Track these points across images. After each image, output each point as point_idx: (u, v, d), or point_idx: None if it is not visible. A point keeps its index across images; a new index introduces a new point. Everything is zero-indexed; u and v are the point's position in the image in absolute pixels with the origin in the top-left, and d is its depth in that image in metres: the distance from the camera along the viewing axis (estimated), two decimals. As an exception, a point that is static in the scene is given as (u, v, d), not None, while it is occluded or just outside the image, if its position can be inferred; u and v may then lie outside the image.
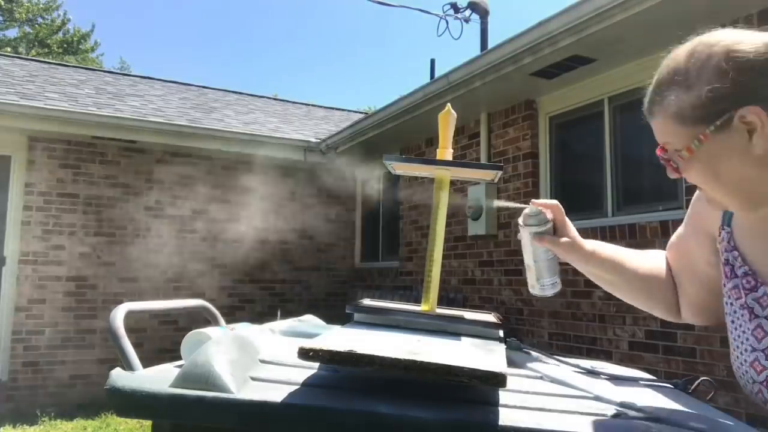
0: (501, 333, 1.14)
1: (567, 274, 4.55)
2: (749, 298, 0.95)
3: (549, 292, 1.11)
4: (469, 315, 1.22)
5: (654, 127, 0.94)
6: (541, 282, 1.10)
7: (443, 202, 1.23)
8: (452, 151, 1.26)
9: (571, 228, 1.11)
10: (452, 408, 0.80)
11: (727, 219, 1.01)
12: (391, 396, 0.82)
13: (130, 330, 1.04)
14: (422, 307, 1.21)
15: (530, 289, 1.13)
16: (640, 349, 3.57)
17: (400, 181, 6.44)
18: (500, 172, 1.26)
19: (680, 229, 1.14)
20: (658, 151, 0.94)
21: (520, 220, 1.11)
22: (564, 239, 1.09)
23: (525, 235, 1.10)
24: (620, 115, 4.04)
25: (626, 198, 4.00)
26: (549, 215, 1.09)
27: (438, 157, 1.24)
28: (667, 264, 1.17)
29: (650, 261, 1.17)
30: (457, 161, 1.24)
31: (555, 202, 1.12)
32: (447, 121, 1.25)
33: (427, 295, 1.21)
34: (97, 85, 7.48)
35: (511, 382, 0.92)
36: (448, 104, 1.29)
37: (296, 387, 0.85)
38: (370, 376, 0.86)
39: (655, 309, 1.17)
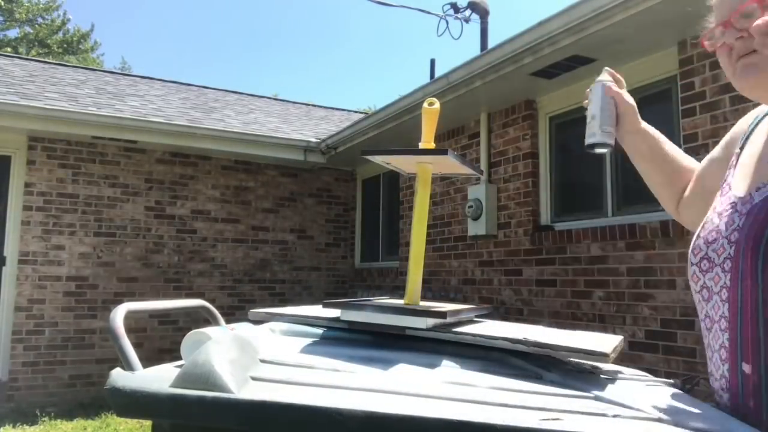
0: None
1: (567, 274, 4.53)
2: (706, 278, 0.95)
3: (609, 140, 1.18)
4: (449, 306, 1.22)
5: None
6: (603, 128, 1.17)
7: (424, 196, 1.21)
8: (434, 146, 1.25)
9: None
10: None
11: (743, 140, 1.02)
12: (392, 395, 0.82)
13: (130, 330, 1.04)
14: (405, 300, 1.23)
15: (589, 139, 1.19)
16: (640, 349, 3.57)
17: (400, 181, 6.44)
18: (481, 176, 1.28)
19: (713, 152, 1.16)
20: (726, 19, 0.92)
21: (602, 76, 1.21)
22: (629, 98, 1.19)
23: (598, 88, 1.20)
24: (620, 115, 4.03)
25: (626, 198, 4.00)
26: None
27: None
28: (695, 172, 1.21)
29: (682, 154, 1.25)
30: (438, 149, 1.19)
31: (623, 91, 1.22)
32: (433, 116, 1.24)
33: (408, 288, 1.24)
34: (97, 85, 7.48)
35: (509, 382, 0.92)
36: (437, 101, 1.27)
37: (296, 387, 0.85)
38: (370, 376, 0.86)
39: (663, 194, 1.27)
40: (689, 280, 0.99)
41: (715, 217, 0.95)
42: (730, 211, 0.92)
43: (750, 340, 0.84)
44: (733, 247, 0.88)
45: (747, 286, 0.85)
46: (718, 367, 0.91)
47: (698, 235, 0.98)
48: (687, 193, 1.21)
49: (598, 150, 1.18)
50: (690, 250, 0.99)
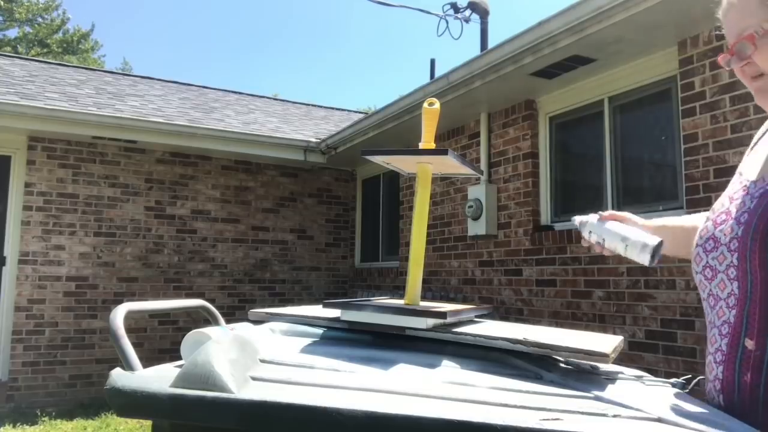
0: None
1: (567, 274, 4.51)
2: (710, 257, 0.95)
3: (660, 251, 1.08)
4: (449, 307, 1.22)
5: (730, 17, 0.94)
6: (647, 248, 1.07)
7: (424, 196, 1.21)
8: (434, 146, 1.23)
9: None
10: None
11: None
12: (392, 395, 0.82)
13: (130, 330, 1.04)
14: (405, 300, 1.23)
15: (646, 263, 1.08)
16: (640, 349, 3.57)
17: (399, 181, 6.44)
18: (481, 176, 1.27)
19: None
20: (730, 45, 0.94)
21: (584, 231, 1.21)
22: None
23: (595, 232, 1.18)
24: (620, 115, 4.04)
25: (626, 198, 4.00)
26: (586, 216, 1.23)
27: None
28: None
29: (695, 217, 1.18)
30: (438, 149, 1.19)
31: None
32: (433, 116, 1.23)
33: (408, 289, 1.24)
34: (97, 85, 7.48)
35: (509, 382, 0.92)
36: (437, 101, 1.27)
37: (296, 387, 0.85)
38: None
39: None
40: (692, 261, 1.00)
41: (727, 200, 0.97)
42: (742, 194, 0.94)
43: (757, 317, 0.86)
44: (742, 228, 0.89)
45: (755, 266, 0.86)
46: (715, 341, 0.93)
47: (707, 218, 0.99)
48: None
49: (658, 257, 1.09)
50: (697, 233, 1.00)
